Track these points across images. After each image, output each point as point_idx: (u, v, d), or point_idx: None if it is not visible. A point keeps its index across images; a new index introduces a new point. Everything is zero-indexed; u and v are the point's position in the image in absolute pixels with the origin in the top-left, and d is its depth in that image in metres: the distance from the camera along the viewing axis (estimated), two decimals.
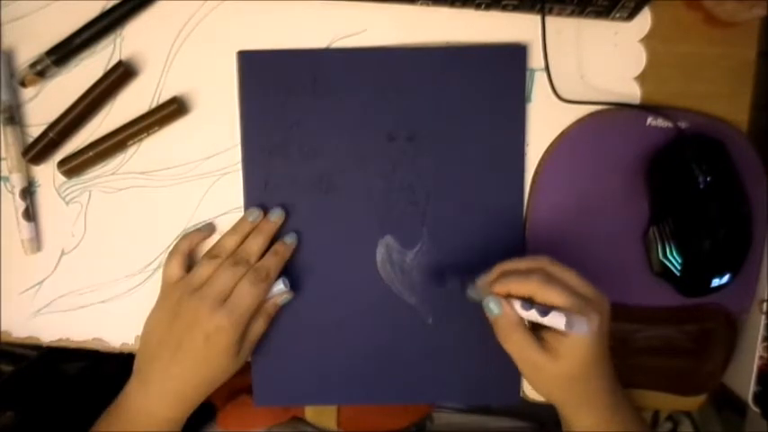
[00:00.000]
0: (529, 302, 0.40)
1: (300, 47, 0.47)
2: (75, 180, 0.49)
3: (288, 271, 0.47)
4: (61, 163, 0.48)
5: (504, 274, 0.41)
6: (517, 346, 0.40)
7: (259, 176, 0.48)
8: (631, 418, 0.43)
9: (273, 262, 0.46)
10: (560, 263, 0.41)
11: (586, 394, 0.41)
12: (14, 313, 0.50)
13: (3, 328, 0.51)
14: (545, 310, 0.39)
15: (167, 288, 0.46)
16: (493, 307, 0.40)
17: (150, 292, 0.48)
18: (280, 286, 0.46)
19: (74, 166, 0.48)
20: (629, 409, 0.43)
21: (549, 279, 0.39)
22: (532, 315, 0.39)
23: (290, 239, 0.47)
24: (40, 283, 0.50)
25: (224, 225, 0.49)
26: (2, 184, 0.50)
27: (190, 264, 0.47)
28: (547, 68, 0.46)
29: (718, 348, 0.49)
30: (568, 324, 0.37)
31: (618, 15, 0.46)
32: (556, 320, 0.38)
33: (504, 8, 0.46)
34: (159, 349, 0.44)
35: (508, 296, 0.40)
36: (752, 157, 0.47)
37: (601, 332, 0.39)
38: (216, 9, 0.48)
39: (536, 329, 0.41)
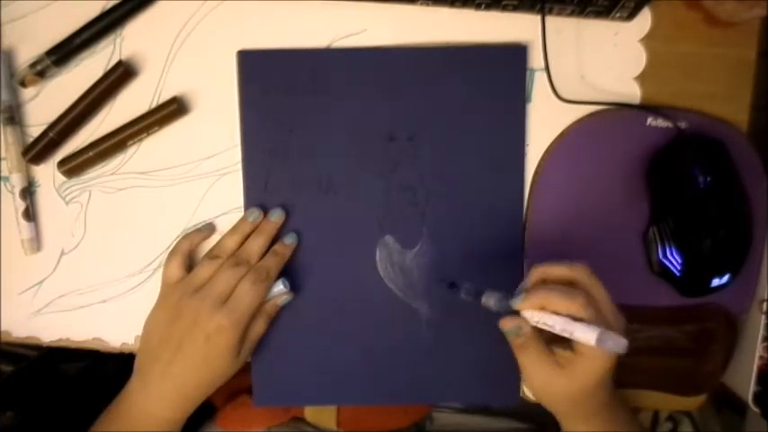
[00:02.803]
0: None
1: (300, 47, 0.47)
2: (75, 180, 0.49)
3: (288, 271, 0.47)
4: (61, 163, 0.48)
5: (543, 284, 0.40)
6: (532, 361, 0.39)
7: (259, 176, 0.48)
8: (627, 424, 0.43)
9: (273, 262, 0.46)
10: (598, 279, 0.39)
11: (588, 409, 0.41)
12: (14, 313, 0.50)
13: (3, 328, 0.51)
14: (573, 320, 0.37)
15: (167, 288, 0.46)
16: (516, 325, 0.39)
17: (150, 292, 0.48)
18: (280, 287, 0.46)
19: (74, 166, 0.48)
20: (626, 414, 0.43)
21: (591, 303, 0.37)
22: (561, 323, 0.37)
23: (289, 240, 0.47)
24: (40, 283, 0.50)
25: (224, 225, 0.49)
26: (2, 184, 0.50)
27: (190, 264, 0.47)
28: (547, 68, 0.46)
29: (718, 348, 0.49)
30: (601, 339, 0.35)
31: (618, 15, 0.46)
32: (586, 335, 0.36)
33: (504, 8, 0.46)
34: (159, 349, 0.43)
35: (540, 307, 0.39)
36: (752, 157, 0.47)
37: (615, 360, 0.38)
38: (216, 9, 0.48)
39: (548, 343, 0.40)
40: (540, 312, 0.38)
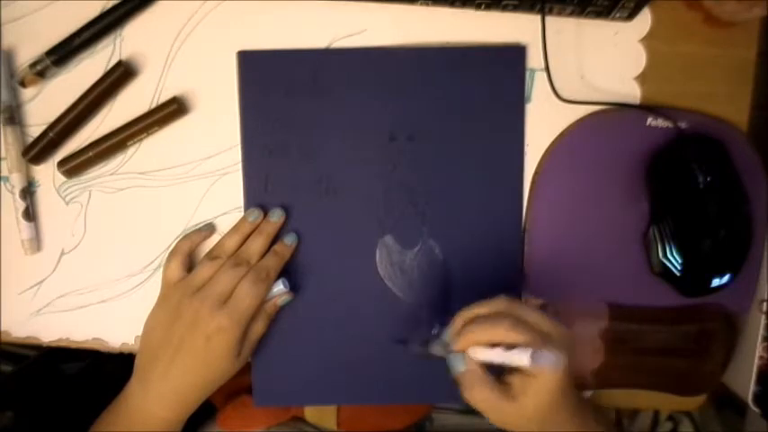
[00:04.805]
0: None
1: (300, 47, 0.47)
2: (75, 180, 0.49)
3: (288, 271, 0.47)
4: (61, 163, 0.48)
5: (468, 323, 0.40)
6: (483, 402, 0.39)
7: (259, 176, 0.48)
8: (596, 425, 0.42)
9: (273, 262, 0.46)
10: (519, 302, 0.40)
11: (554, 426, 0.40)
12: (14, 313, 0.50)
13: (3, 328, 0.51)
14: (509, 346, 0.38)
15: (168, 289, 0.46)
16: (457, 365, 0.40)
17: (150, 292, 0.48)
18: (280, 287, 0.46)
19: (74, 166, 0.48)
20: (601, 425, 0.42)
21: (517, 323, 0.38)
22: (497, 355, 0.38)
23: (290, 240, 0.47)
24: (40, 283, 0.50)
25: (224, 225, 0.49)
26: (2, 184, 0.50)
27: (190, 264, 0.47)
28: (547, 68, 0.46)
29: (718, 348, 0.49)
30: (534, 357, 0.36)
31: (618, 15, 0.46)
32: (520, 357, 0.37)
33: (504, 8, 0.46)
34: (159, 350, 0.43)
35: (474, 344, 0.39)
36: (752, 157, 0.47)
37: (565, 369, 0.38)
38: (216, 9, 0.48)
39: (500, 374, 0.40)
40: (479, 349, 0.39)
